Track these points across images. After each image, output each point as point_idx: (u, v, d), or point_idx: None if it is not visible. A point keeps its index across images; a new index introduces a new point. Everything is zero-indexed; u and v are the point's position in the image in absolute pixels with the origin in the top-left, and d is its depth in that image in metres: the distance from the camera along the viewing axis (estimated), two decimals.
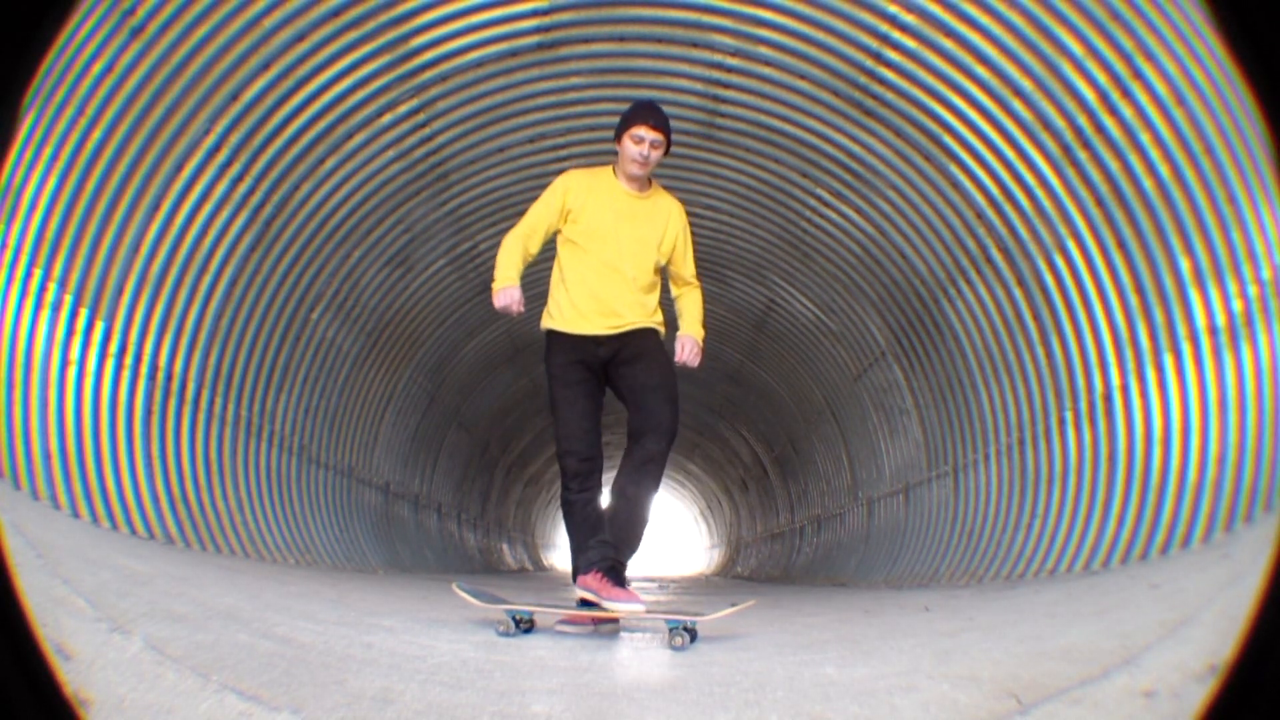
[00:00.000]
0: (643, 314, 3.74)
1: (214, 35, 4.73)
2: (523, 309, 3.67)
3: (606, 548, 3.46)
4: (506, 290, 3.64)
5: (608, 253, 3.68)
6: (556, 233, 3.77)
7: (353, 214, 6.43)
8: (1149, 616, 2.50)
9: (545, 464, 16.02)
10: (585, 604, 3.49)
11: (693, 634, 3.14)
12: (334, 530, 7.25)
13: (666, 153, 3.74)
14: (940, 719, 1.81)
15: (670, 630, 3.12)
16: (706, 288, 8.86)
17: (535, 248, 3.76)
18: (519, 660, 2.62)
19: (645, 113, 3.68)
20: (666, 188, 3.99)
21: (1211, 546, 3.59)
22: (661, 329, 3.81)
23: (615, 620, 3.58)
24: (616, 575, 3.42)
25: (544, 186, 3.84)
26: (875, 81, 5.58)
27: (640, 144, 3.64)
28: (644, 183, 3.79)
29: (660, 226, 3.78)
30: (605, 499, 3.72)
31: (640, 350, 3.70)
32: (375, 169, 6.26)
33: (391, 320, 7.79)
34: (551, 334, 3.75)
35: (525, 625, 3.33)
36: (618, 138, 3.72)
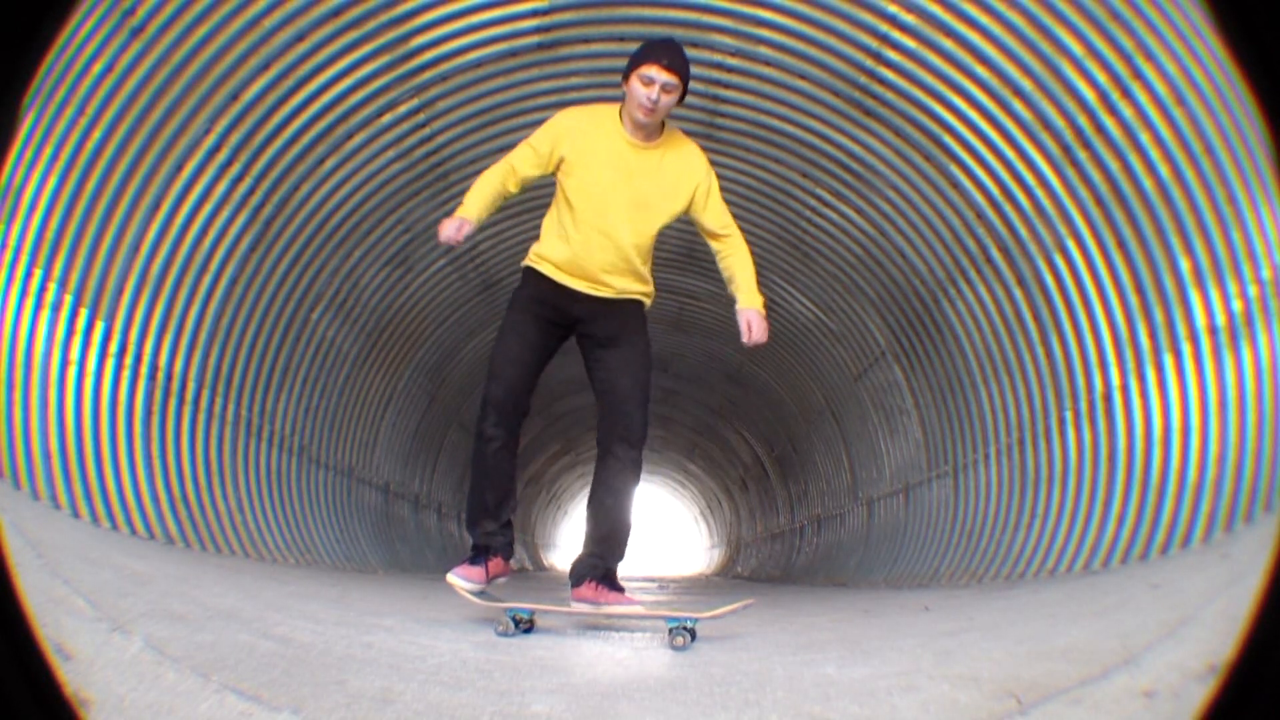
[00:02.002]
0: (632, 283, 3.46)
1: (214, 35, 4.73)
2: (461, 242, 3.35)
3: (594, 559, 3.40)
4: (457, 221, 3.31)
5: (602, 218, 3.34)
6: (553, 174, 3.42)
7: (353, 214, 6.43)
8: (1149, 616, 2.50)
9: (545, 464, 16.02)
10: (476, 558, 3.44)
11: (692, 633, 3.14)
12: (334, 530, 7.25)
13: (682, 99, 3.30)
14: (940, 719, 1.81)
15: (670, 630, 3.12)
16: (706, 288, 8.92)
17: (514, 189, 3.46)
18: (519, 660, 2.62)
19: (659, 50, 3.23)
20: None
21: (1211, 546, 3.58)
22: (649, 299, 3.56)
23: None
24: (610, 582, 3.40)
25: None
26: (875, 81, 5.58)
27: (649, 86, 3.18)
28: (652, 130, 3.34)
29: (671, 182, 3.39)
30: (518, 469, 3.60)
31: (620, 330, 3.45)
32: (375, 169, 6.26)
33: (391, 320, 7.79)
34: (529, 270, 3.49)
35: (525, 625, 3.32)
36: (625, 77, 3.26)
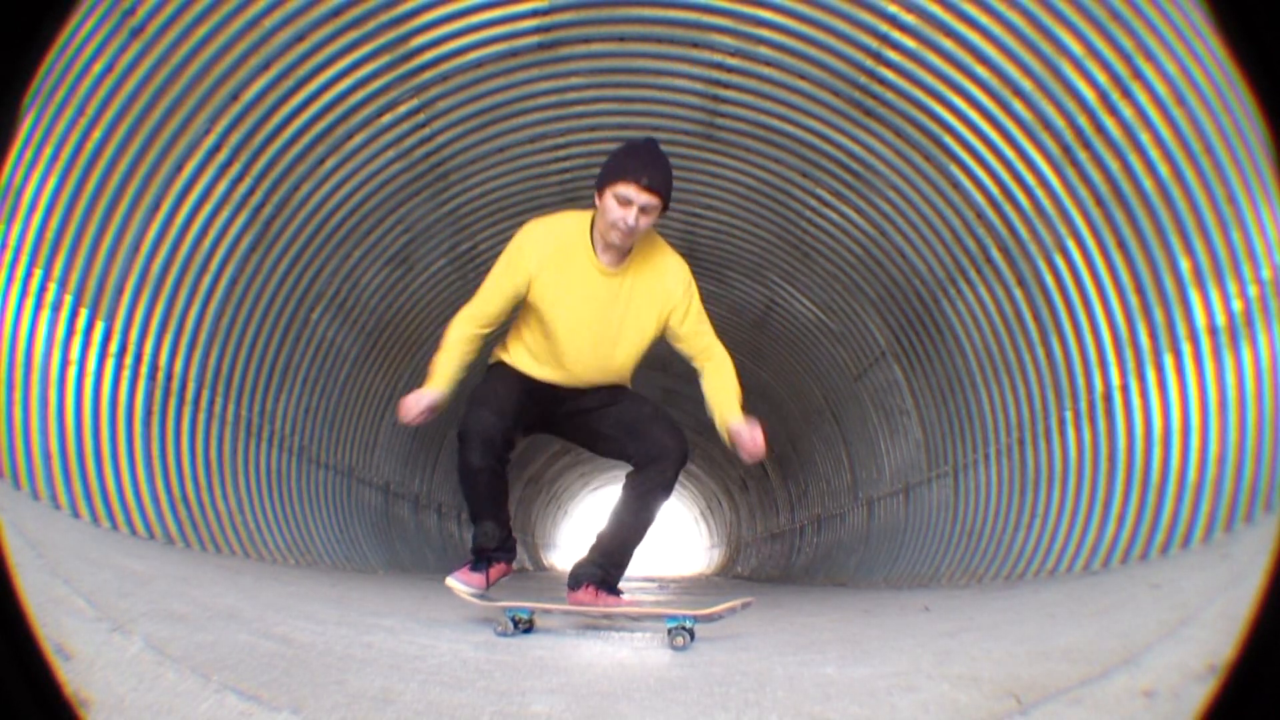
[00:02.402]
0: (616, 382, 3.32)
1: (214, 35, 4.73)
2: (424, 419, 3.20)
3: (598, 567, 3.37)
4: (417, 396, 3.15)
5: (578, 350, 3.15)
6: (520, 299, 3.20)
7: (353, 214, 6.43)
8: (1149, 616, 2.50)
9: (545, 464, 16.02)
10: (479, 564, 3.41)
11: (691, 633, 3.15)
12: (334, 530, 7.25)
13: (664, 211, 2.97)
14: (940, 719, 1.81)
15: (670, 631, 3.12)
16: (706, 288, 8.88)
17: (487, 330, 3.26)
18: (519, 660, 2.62)
19: (638, 166, 2.87)
20: (663, 233, 3.39)
21: (1211, 546, 3.59)
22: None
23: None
24: (609, 588, 3.39)
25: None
26: (875, 81, 5.58)
27: (627, 207, 2.85)
28: (624, 249, 3.02)
29: (651, 311, 3.13)
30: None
31: (614, 395, 3.32)
32: (375, 169, 6.26)
33: (391, 320, 7.79)
34: (500, 364, 3.35)
35: (524, 625, 3.32)
36: (599, 189, 2.93)
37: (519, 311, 3.31)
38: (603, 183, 2.92)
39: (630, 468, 3.32)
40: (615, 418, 3.28)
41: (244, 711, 1.65)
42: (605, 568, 3.39)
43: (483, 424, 3.10)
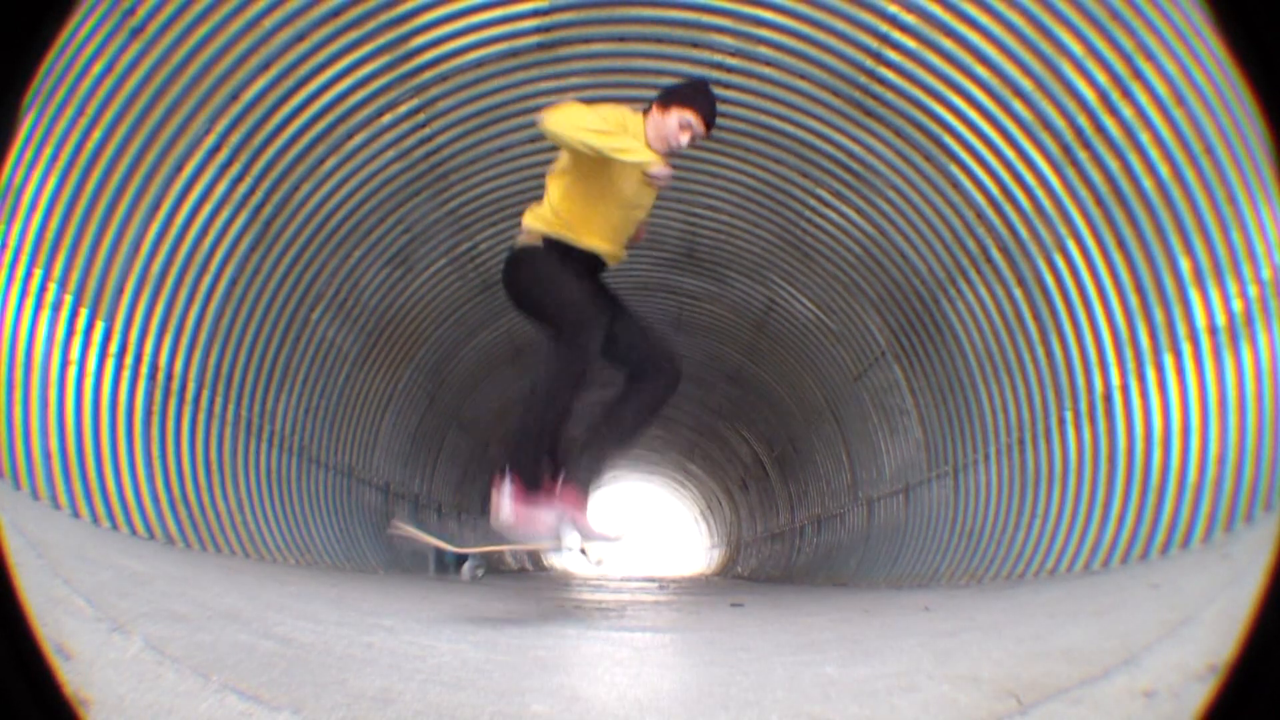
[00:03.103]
0: (619, 255, 3.55)
1: (214, 35, 4.73)
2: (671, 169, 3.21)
3: (588, 472, 3.34)
4: (656, 159, 3.12)
5: (626, 200, 3.39)
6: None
7: (353, 214, 6.43)
8: (1149, 616, 2.50)
9: None
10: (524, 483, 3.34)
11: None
12: (334, 530, 7.25)
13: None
14: (940, 719, 1.81)
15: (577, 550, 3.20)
16: (706, 288, 8.93)
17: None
18: (519, 660, 2.62)
19: (708, 104, 3.32)
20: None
21: (1211, 546, 3.59)
22: None
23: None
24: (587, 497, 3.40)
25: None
26: (875, 81, 5.58)
27: (685, 131, 3.28)
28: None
29: (648, 200, 3.56)
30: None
31: (618, 297, 3.55)
32: (375, 169, 6.26)
33: (391, 320, 7.79)
34: (546, 240, 3.39)
35: (469, 567, 3.22)
36: (665, 105, 3.31)
37: (563, 175, 3.40)
38: (673, 102, 3.26)
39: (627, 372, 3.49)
40: (625, 321, 3.43)
41: (244, 711, 1.65)
42: (595, 472, 3.37)
43: (585, 339, 3.21)
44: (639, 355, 3.45)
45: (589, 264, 3.44)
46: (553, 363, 3.25)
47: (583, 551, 3.29)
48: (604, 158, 3.16)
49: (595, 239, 3.42)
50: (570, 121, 3.17)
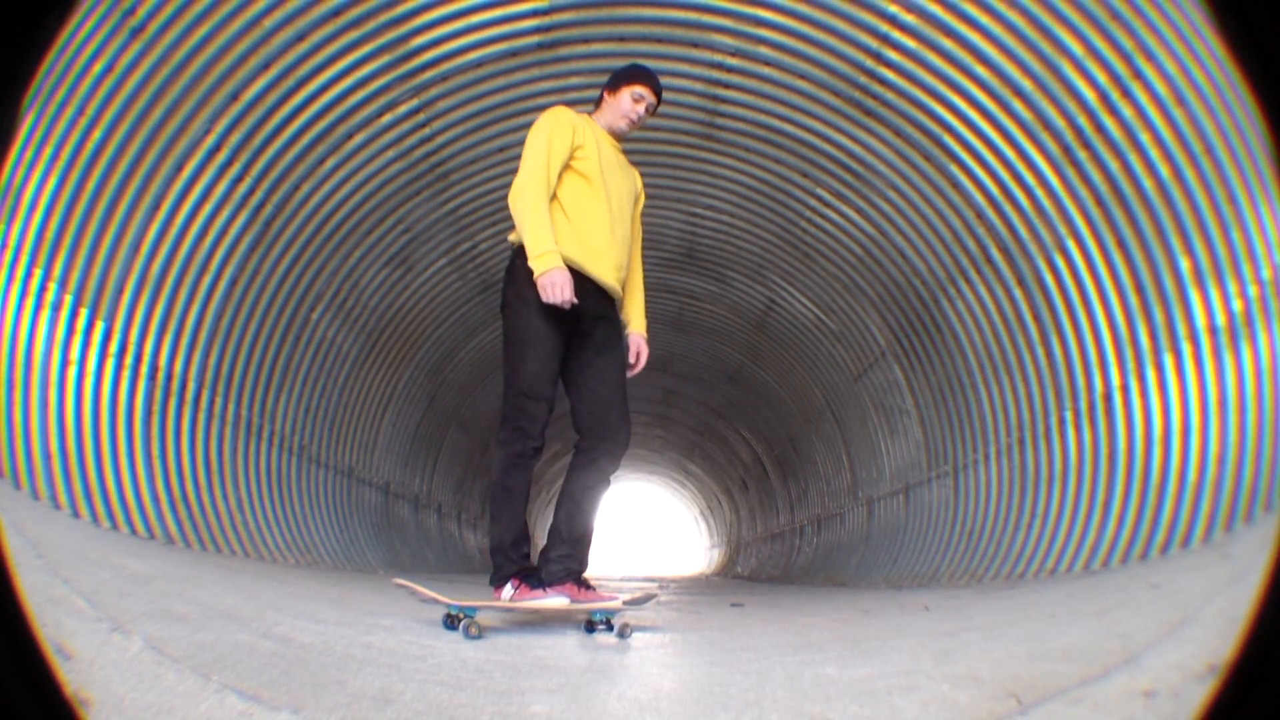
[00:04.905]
0: (622, 271, 3.49)
1: (214, 35, 4.73)
2: (576, 300, 3.21)
3: (571, 560, 3.37)
4: (561, 272, 3.12)
5: (611, 197, 3.44)
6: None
7: (353, 214, 6.43)
8: (1149, 616, 2.50)
9: (545, 464, 16.01)
10: (526, 579, 3.38)
11: (609, 624, 3.21)
12: (334, 530, 7.25)
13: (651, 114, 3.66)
14: (940, 719, 1.81)
15: (593, 623, 3.20)
16: (706, 288, 8.91)
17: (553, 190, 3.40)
18: (519, 660, 2.62)
19: (647, 75, 3.59)
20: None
21: (1211, 546, 3.59)
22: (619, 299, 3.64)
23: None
24: (587, 585, 3.41)
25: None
26: (875, 81, 5.58)
27: (639, 103, 3.54)
28: (618, 139, 3.65)
29: (635, 183, 3.67)
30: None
31: (610, 338, 3.48)
32: (375, 169, 6.26)
33: (391, 320, 7.79)
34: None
35: (464, 625, 3.11)
36: (613, 88, 3.57)
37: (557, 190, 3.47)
38: (619, 84, 3.55)
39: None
40: (596, 373, 3.41)
41: (244, 711, 1.65)
42: (579, 559, 3.39)
43: (531, 411, 3.27)
44: (591, 418, 3.42)
45: (581, 303, 3.30)
46: (499, 453, 3.31)
47: (607, 624, 3.27)
48: (585, 170, 3.40)
49: (586, 252, 3.36)
50: (522, 203, 3.30)
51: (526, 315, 3.27)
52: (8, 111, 0.87)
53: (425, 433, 9.79)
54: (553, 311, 3.23)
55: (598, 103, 3.66)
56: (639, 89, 3.54)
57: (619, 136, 3.63)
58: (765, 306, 8.75)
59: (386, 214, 6.69)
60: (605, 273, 3.37)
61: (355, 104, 5.70)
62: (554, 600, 3.26)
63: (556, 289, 3.11)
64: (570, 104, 6.26)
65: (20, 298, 4.02)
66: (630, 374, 3.56)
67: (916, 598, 5.14)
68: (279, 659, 2.16)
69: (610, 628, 3.24)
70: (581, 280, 3.30)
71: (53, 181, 4.18)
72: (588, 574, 3.52)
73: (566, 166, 3.39)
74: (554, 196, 3.37)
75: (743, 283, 8.51)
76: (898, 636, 3.28)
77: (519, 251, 3.33)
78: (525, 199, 3.27)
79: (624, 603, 3.37)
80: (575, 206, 3.37)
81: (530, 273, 3.21)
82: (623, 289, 3.57)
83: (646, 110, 3.56)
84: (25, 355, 4.04)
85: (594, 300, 3.37)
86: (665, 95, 6.15)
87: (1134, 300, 4.54)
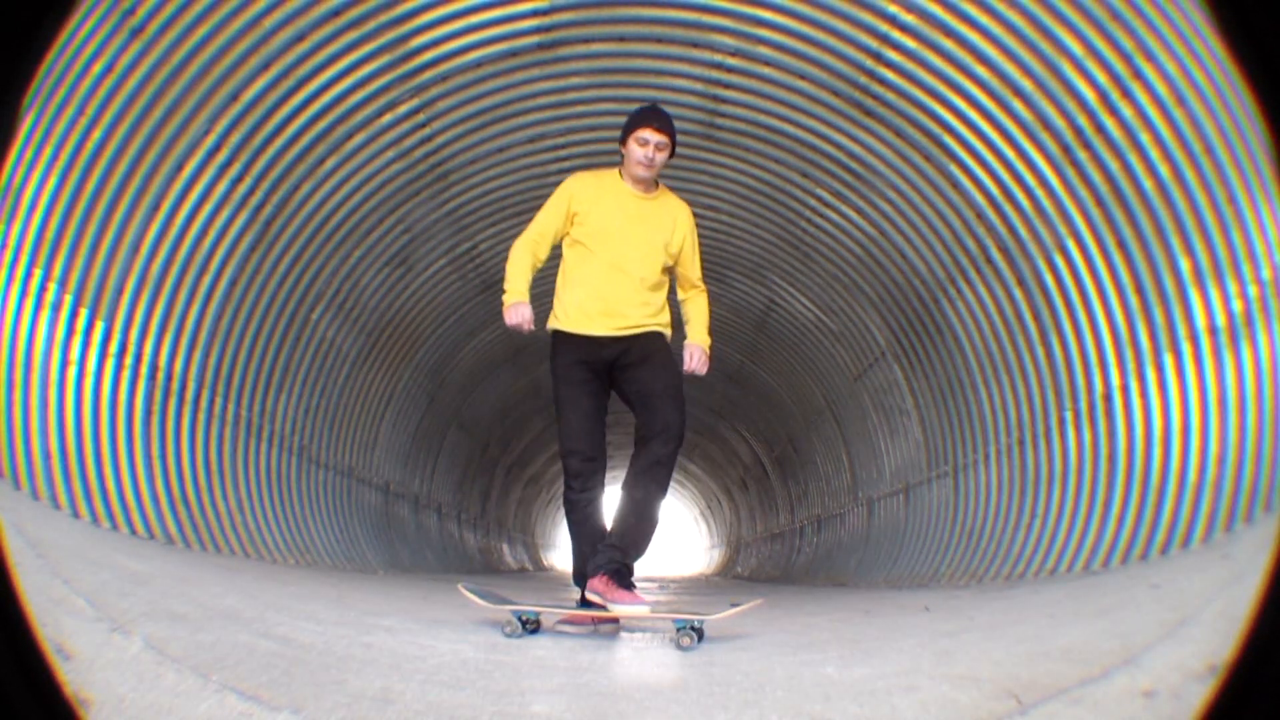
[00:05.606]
0: (649, 315, 3.74)
1: (214, 35, 4.73)
2: (533, 327, 3.64)
3: (614, 550, 3.46)
4: (517, 307, 3.61)
5: (614, 253, 3.68)
6: (563, 236, 3.78)
7: (353, 214, 6.43)
8: (1149, 616, 2.50)
9: (545, 464, 16.02)
10: (586, 604, 3.50)
11: (700, 634, 3.16)
12: (334, 530, 7.25)
13: (672, 154, 3.78)
14: (940, 719, 1.81)
15: (678, 630, 3.14)
16: (707, 287, 8.89)
17: (544, 254, 3.78)
18: (519, 660, 2.62)
19: (649, 116, 3.73)
20: (671, 189, 4.02)
21: (1211, 546, 3.59)
22: (668, 331, 3.80)
23: (616, 621, 3.59)
24: (622, 578, 3.43)
25: (545, 186, 3.82)
26: (875, 81, 5.58)
27: (645, 146, 3.67)
28: (650, 184, 3.82)
29: (668, 228, 3.79)
30: (608, 500, 3.72)
31: (647, 353, 3.70)
32: (375, 169, 6.26)
33: (391, 320, 7.79)
34: (557, 334, 3.75)
35: (531, 626, 3.34)
36: (623, 141, 3.77)
37: (560, 265, 3.82)
38: (625, 134, 3.73)
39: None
40: (638, 383, 3.68)
41: (244, 711, 1.65)
42: (625, 550, 3.48)
43: (570, 465, 3.65)
44: (641, 409, 3.66)
45: (600, 356, 3.66)
46: (567, 483, 3.69)
47: (694, 630, 3.28)
48: (580, 236, 3.70)
49: (583, 316, 3.66)
50: (508, 261, 3.75)
51: (557, 383, 3.71)
52: (8, 111, 0.87)
53: (425, 433, 9.79)
54: (578, 375, 3.65)
55: (620, 159, 3.84)
56: (641, 133, 3.68)
57: (645, 184, 3.78)
58: (765, 306, 8.75)
59: (386, 214, 6.69)
60: (606, 328, 3.66)
61: (355, 104, 5.70)
62: (631, 608, 3.36)
63: (509, 314, 3.62)
64: (568, 104, 6.33)
65: (20, 297, 4.02)
66: (686, 370, 3.78)
67: (916, 598, 5.14)
68: (279, 659, 2.16)
69: (700, 635, 3.20)
70: (588, 341, 3.67)
71: (53, 181, 4.17)
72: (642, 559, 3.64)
73: (567, 234, 3.76)
74: (564, 264, 3.80)
75: (743, 282, 8.51)
76: (898, 636, 3.28)
77: (553, 333, 3.77)
78: (509, 256, 3.77)
79: (716, 618, 3.38)
80: (574, 274, 3.73)
81: (557, 347, 3.71)
82: (657, 318, 3.78)
83: (656, 149, 3.68)
84: (25, 355, 4.04)
85: (611, 348, 3.67)
86: (665, 95, 6.18)
87: (1134, 300, 4.54)
